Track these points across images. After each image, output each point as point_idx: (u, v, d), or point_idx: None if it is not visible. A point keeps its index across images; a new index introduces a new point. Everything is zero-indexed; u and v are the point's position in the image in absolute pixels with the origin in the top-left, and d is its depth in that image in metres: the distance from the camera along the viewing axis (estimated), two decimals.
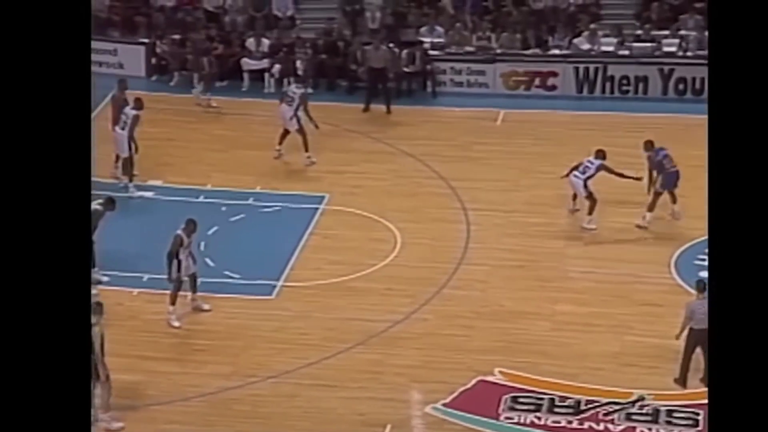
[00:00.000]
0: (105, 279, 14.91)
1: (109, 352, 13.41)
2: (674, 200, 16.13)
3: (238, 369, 13.40)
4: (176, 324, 14.12)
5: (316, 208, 16.84)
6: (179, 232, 14.17)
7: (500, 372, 13.16)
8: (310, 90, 18.66)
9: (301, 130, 18.09)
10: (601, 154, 16.17)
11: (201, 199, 17.05)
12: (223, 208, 16.52)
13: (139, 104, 17.22)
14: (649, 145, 16.16)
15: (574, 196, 16.38)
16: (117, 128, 16.99)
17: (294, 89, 18.35)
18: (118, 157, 17.17)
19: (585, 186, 16.02)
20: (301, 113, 18.05)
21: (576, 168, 16.12)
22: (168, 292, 14.20)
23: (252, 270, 15.12)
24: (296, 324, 14.23)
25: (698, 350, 12.70)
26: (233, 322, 14.26)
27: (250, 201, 17.08)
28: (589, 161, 16.16)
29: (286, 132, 18.22)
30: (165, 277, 14.13)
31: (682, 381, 12.81)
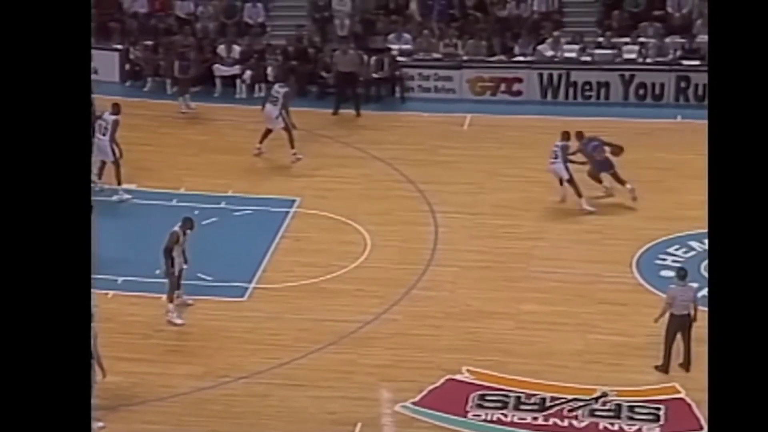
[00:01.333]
0: None
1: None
2: (621, 183, 16.51)
3: (211, 370, 13.34)
4: (178, 321, 14.05)
5: (288, 212, 16.80)
6: (176, 229, 14.10)
7: (468, 371, 13.19)
8: (289, 90, 18.62)
9: (286, 128, 18.07)
10: (566, 136, 16.50)
11: (174, 202, 16.96)
12: (196, 212, 16.37)
13: (116, 109, 17.10)
14: (579, 135, 16.71)
15: (561, 182, 16.53)
16: (98, 134, 16.85)
17: (278, 88, 18.32)
18: (104, 164, 16.96)
19: (566, 169, 16.36)
20: (284, 112, 17.96)
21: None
22: (160, 292, 14.08)
23: (224, 272, 15.06)
24: (268, 325, 14.18)
25: (678, 336, 12.78)
26: (206, 324, 14.19)
27: (223, 204, 17.02)
28: (555, 145, 16.46)
29: (269, 131, 18.19)
30: (160, 272, 14.06)
31: (664, 368, 12.89)
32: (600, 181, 16.67)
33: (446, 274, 15.26)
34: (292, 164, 18.01)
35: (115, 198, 17.02)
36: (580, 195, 16.34)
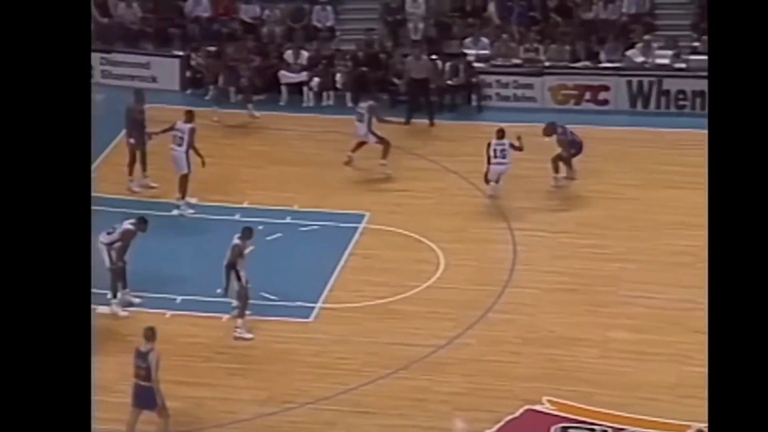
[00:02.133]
0: (137, 301, 15.04)
1: None
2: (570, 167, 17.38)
3: (274, 394, 13.44)
4: (248, 336, 14.24)
5: (357, 227, 16.89)
6: (237, 241, 14.28)
7: (549, 401, 13.08)
8: (374, 103, 18.79)
9: (381, 141, 18.19)
10: (500, 133, 17.26)
11: (237, 217, 17.16)
12: (260, 227, 16.57)
13: (190, 116, 17.26)
14: (550, 129, 17.49)
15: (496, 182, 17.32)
16: (172, 145, 17.07)
17: (362, 105, 18.52)
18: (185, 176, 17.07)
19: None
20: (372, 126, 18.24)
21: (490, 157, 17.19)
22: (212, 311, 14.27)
23: (290, 291, 15.19)
24: (335, 348, 14.26)
25: None
26: (270, 346, 14.32)
27: (288, 219, 17.17)
28: (499, 144, 17.34)
29: (362, 143, 18.30)
30: (221, 290, 14.25)
31: None
32: (557, 170, 17.54)
33: (525, 297, 15.18)
34: (385, 175, 18.17)
35: (175, 212, 17.27)
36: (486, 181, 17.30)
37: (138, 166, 17.80)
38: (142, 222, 14.83)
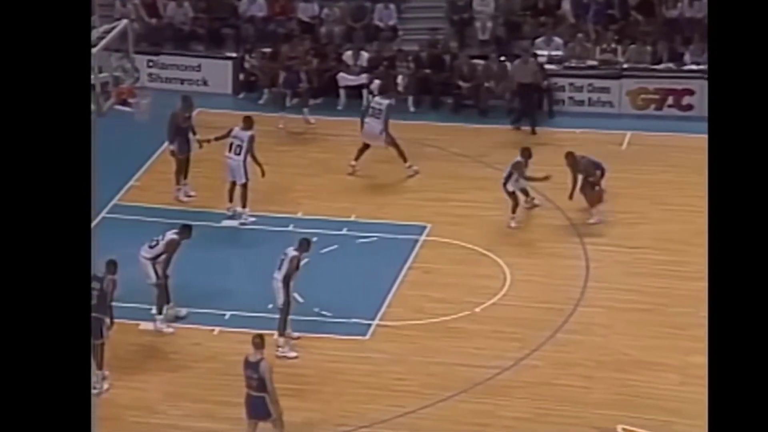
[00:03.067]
0: (183, 313, 15.28)
1: (186, 397, 13.80)
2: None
3: (328, 416, 13.58)
4: (292, 354, 14.43)
5: (417, 240, 16.99)
6: (295, 253, 14.47)
7: (624, 429, 13.05)
8: (392, 102, 18.89)
9: (393, 142, 18.33)
10: (526, 153, 17.20)
11: (290, 228, 17.36)
12: (315, 239, 16.71)
13: (249, 123, 17.48)
14: (571, 158, 17.28)
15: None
16: (229, 154, 17.25)
17: (380, 100, 18.66)
18: (234, 185, 17.30)
19: (504, 186, 17.01)
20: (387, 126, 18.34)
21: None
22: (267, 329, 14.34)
23: (345, 307, 15.33)
24: (392, 368, 14.36)
25: None
26: (323, 365, 14.47)
27: (344, 231, 17.33)
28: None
29: (366, 146, 18.42)
30: (279, 304, 14.42)
31: None
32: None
33: (598, 317, 15.14)
34: (408, 178, 18.27)
35: (232, 222, 17.38)
36: (514, 211, 17.12)
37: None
38: (185, 230, 15.08)
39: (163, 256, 14.90)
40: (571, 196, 17.25)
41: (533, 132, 20.28)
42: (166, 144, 18.58)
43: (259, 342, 12.65)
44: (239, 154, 17.18)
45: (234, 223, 17.44)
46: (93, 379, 13.68)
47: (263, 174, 17.28)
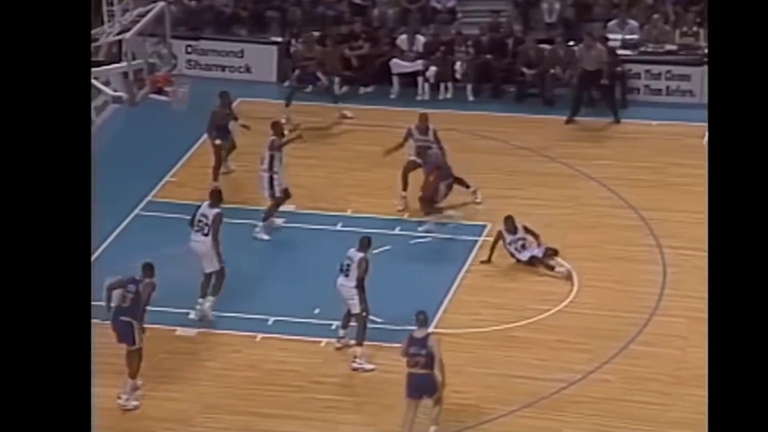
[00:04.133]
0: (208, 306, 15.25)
1: (224, 408, 13.88)
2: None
3: (379, 431, 13.58)
4: (369, 367, 14.51)
5: (476, 240, 16.95)
6: (361, 254, 14.54)
7: None
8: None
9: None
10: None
11: (339, 227, 17.41)
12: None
13: (278, 129, 17.24)
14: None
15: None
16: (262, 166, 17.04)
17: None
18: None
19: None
20: None
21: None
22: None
23: (397, 313, 15.29)
24: (449, 380, 14.27)
25: None
26: (374, 376, 14.49)
27: (397, 230, 17.35)
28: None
29: (412, 166, 18.07)
30: (356, 311, 14.49)
31: None
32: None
33: (675, 327, 15.01)
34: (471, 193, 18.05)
35: (277, 221, 17.46)
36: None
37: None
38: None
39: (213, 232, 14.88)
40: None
41: (617, 121, 20.07)
42: (204, 137, 18.71)
43: (423, 318, 13.20)
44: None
45: (279, 221, 17.50)
46: (124, 389, 13.83)
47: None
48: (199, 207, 15.56)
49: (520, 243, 16.30)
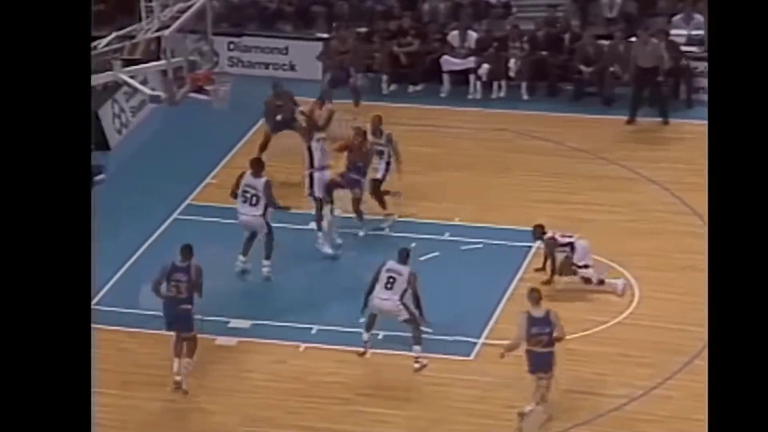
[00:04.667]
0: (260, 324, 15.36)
1: (266, 421, 13.90)
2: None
3: None
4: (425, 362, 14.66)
5: (529, 247, 16.85)
6: (407, 268, 14.64)
7: None
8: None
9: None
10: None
11: (386, 232, 17.38)
12: (413, 244, 16.73)
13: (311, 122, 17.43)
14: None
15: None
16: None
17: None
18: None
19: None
20: None
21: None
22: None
23: (447, 323, 15.28)
24: (501, 393, 14.27)
25: None
26: (423, 388, 14.45)
27: (447, 236, 17.29)
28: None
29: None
30: (403, 319, 14.53)
31: None
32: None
33: None
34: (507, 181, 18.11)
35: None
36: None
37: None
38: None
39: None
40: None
41: (665, 122, 19.98)
42: (248, 135, 18.77)
43: (537, 296, 13.56)
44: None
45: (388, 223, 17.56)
46: (180, 369, 14.24)
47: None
48: (240, 178, 16.15)
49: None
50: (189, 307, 14.26)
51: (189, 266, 14.30)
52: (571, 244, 16.00)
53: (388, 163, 17.40)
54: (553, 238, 16.04)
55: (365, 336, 14.79)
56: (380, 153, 17.44)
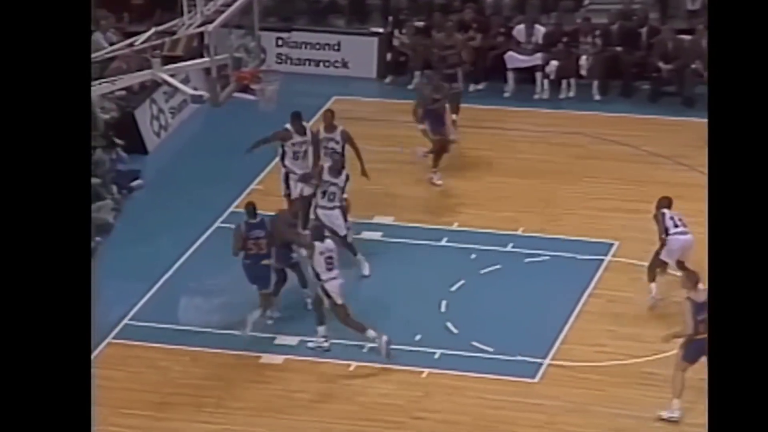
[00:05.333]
0: (324, 344, 15.43)
1: None
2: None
3: None
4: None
5: (600, 261, 16.85)
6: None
7: None
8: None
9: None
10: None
11: (444, 242, 17.44)
12: (473, 256, 16.81)
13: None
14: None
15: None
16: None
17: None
18: None
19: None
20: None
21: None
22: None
23: (509, 342, 15.31)
24: (568, 419, 14.28)
25: None
26: (482, 411, 14.48)
27: (510, 247, 17.33)
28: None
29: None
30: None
31: None
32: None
33: None
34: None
35: (374, 234, 17.53)
36: None
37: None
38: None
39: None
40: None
41: None
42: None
43: (695, 278, 13.93)
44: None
45: (376, 235, 17.60)
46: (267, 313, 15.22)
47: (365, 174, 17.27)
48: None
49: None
50: (268, 262, 15.35)
51: (263, 221, 15.40)
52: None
53: (338, 171, 16.71)
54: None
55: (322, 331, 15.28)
56: (333, 153, 17.20)
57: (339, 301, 15.05)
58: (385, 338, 15.01)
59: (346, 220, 16.64)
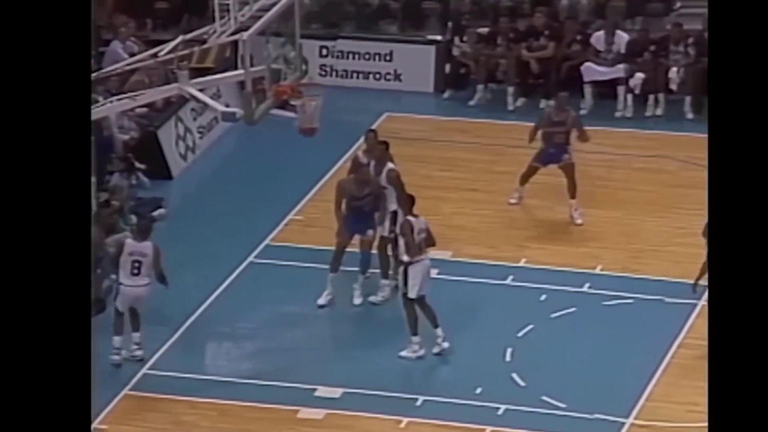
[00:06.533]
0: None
1: None
2: None
3: None
4: None
5: (693, 305, 16.85)
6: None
7: None
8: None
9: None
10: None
11: (509, 281, 17.52)
12: (543, 297, 16.88)
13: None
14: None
15: None
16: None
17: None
18: None
19: None
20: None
21: None
22: None
23: (586, 397, 15.33)
24: None
25: None
26: None
27: (586, 288, 17.38)
28: None
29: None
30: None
31: None
32: None
33: None
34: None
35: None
36: None
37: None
38: None
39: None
40: None
41: None
42: (340, 164, 18.89)
43: None
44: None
45: (433, 272, 17.61)
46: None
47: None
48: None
49: None
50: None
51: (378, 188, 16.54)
52: None
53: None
54: None
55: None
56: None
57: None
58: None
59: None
